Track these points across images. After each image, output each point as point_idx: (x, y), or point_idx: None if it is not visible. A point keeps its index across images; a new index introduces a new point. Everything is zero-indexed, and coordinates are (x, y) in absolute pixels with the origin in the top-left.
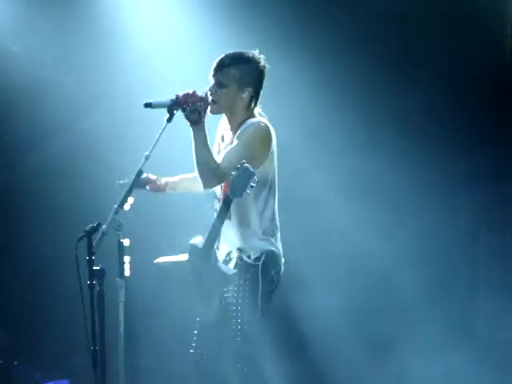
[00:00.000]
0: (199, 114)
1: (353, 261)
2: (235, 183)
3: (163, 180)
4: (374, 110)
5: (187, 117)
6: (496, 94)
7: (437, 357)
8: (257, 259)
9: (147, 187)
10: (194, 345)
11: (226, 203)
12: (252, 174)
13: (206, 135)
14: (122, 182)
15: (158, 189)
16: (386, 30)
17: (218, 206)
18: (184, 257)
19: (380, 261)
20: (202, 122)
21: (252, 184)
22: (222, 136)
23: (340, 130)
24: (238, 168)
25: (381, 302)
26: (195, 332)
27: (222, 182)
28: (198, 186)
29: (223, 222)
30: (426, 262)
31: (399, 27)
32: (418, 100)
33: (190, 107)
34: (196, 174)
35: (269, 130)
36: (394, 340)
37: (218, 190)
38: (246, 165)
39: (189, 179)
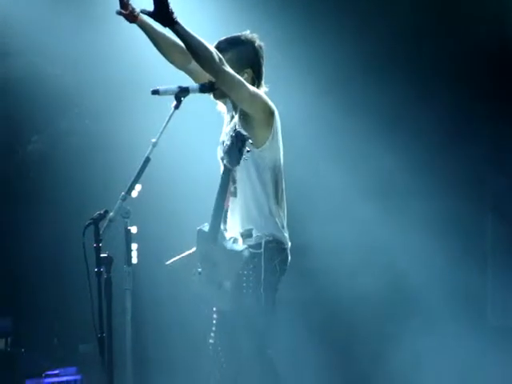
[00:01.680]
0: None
1: (363, 251)
2: (230, 151)
3: (137, 15)
4: (381, 102)
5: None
6: (507, 82)
7: (446, 345)
8: (257, 246)
9: (119, 9)
10: (212, 335)
11: (226, 174)
12: (246, 138)
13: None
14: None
15: (127, 17)
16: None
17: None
18: (193, 249)
19: (388, 251)
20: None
21: (247, 149)
22: (227, 122)
23: (351, 127)
24: (231, 135)
25: (390, 292)
26: (214, 322)
27: (216, 64)
28: (171, 53)
29: (225, 196)
30: (434, 250)
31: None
32: (426, 91)
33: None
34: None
35: (272, 105)
36: (403, 330)
37: (219, 153)
38: (238, 129)
39: (166, 39)
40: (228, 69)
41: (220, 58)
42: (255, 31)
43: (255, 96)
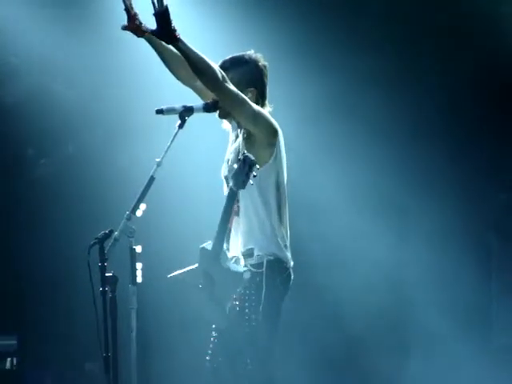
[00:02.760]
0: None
1: (365, 268)
2: (237, 174)
3: (144, 28)
4: (380, 117)
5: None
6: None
7: (449, 364)
8: (259, 265)
9: (125, 25)
10: (210, 352)
11: (231, 197)
12: (253, 163)
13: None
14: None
15: (134, 31)
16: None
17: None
18: (195, 265)
19: (390, 268)
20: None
21: (254, 173)
22: (232, 141)
23: (352, 143)
24: (238, 159)
25: (391, 310)
26: (212, 339)
27: (218, 82)
28: (178, 69)
29: (229, 218)
30: (438, 269)
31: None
32: (428, 103)
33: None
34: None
35: (275, 123)
36: (405, 348)
37: (223, 171)
38: (246, 154)
39: (174, 55)
40: (231, 87)
41: (223, 76)
42: (257, 46)
43: (258, 115)
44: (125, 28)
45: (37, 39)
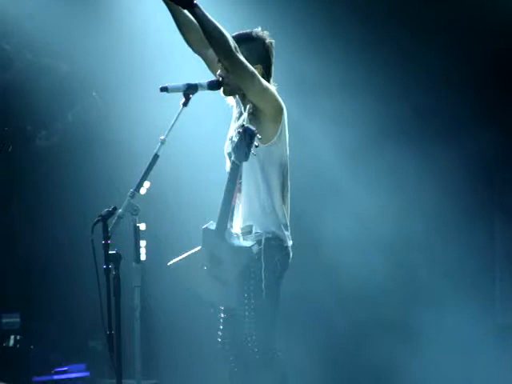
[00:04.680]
0: None
1: (368, 245)
2: (238, 146)
3: None
4: (386, 99)
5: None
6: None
7: (453, 343)
8: (257, 243)
9: None
10: (220, 334)
11: (234, 171)
12: (254, 133)
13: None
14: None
15: None
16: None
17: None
18: (197, 248)
19: (396, 247)
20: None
21: (256, 144)
22: (235, 118)
23: (360, 122)
24: (238, 131)
25: (396, 288)
26: (221, 321)
27: (231, 51)
28: (192, 36)
29: (233, 194)
30: (442, 248)
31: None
32: (433, 78)
33: None
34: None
35: (281, 101)
36: (409, 326)
37: (226, 149)
38: (246, 125)
39: (189, 19)
40: (242, 58)
41: (236, 47)
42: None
43: (266, 89)
44: None
45: (30, 15)
